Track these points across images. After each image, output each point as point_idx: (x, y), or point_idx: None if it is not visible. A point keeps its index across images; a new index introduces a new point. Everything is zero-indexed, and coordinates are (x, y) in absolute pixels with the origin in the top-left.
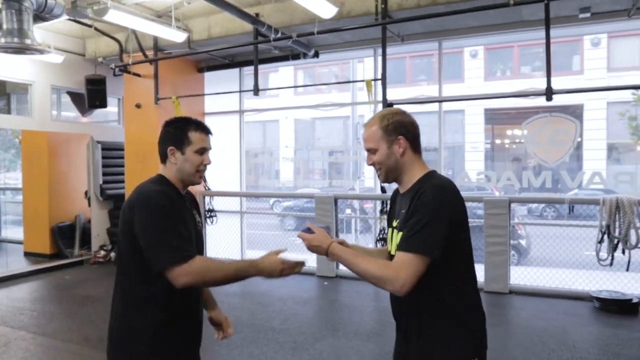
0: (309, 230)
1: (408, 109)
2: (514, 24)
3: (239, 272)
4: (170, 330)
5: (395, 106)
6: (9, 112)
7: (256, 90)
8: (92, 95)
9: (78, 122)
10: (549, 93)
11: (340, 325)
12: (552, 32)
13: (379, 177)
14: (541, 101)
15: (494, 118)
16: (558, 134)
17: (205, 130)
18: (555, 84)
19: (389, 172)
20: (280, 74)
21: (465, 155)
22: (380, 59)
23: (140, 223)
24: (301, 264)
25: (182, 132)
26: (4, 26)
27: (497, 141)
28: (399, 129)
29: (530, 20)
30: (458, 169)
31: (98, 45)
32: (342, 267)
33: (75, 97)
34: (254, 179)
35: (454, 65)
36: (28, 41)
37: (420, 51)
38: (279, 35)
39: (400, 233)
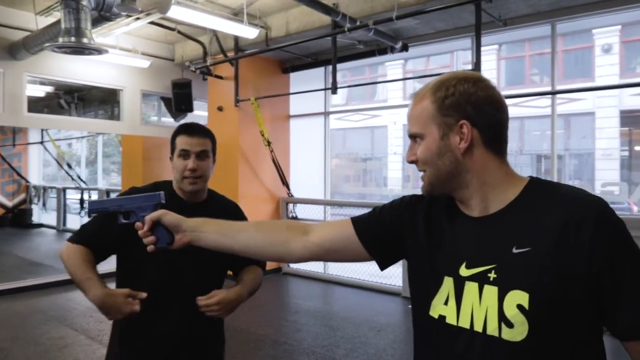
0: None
1: (515, 111)
2: None
3: (84, 284)
4: (136, 329)
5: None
6: (112, 117)
7: (334, 89)
8: (178, 99)
9: (166, 126)
10: None
11: None
12: None
13: (422, 187)
14: None
15: (633, 121)
16: None
17: (189, 132)
18: None
19: (438, 179)
20: (388, 78)
21: (596, 164)
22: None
23: None
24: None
25: (173, 139)
26: (62, 26)
27: (637, 148)
28: (463, 106)
29: None
30: (587, 179)
31: (185, 49)
32: None
33: (167, 102)
34: (361, 185)
35: (582, 63)
36: (85, 40)
37: (540, 49)
38: (356, 24)
39: (493, 288)
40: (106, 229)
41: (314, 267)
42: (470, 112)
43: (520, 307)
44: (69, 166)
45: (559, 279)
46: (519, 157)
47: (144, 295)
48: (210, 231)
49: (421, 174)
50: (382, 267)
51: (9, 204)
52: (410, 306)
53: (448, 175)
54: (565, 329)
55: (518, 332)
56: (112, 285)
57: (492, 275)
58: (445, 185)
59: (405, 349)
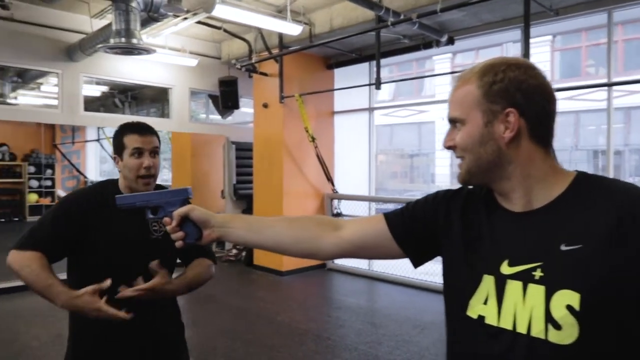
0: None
1: (570, 105)
2: None
3: (48, 291)
4: (91, 335)
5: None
6: (162, 115)
7: (378, 84)
8: (224, 97)
9: (213, 123)
10: None
11: None
12: None
13: (458, 175)
14: None
15: None
16: None
17: (140, 131)
18: None
19: (478, 168)
20: (436, 73)
21: None
22: (530, 42)
23: None
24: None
25: (119, 138)
26: (113, 27)
27: None
28: (512, 93)
29: None
30: None
31: (231, 47)
32: None
33: (215, 99)
34: (408, 182)
35: None
36: (134, 41)
37: (597, 40)
38: (400, 18)
39: (539, 287)
40: (58, 231)
41: (359, 263)
42: (519, 100)
43: (569, 307)
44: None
45: (614, 278)
46: (574, 153)
47: (107, 283)
48: (238, 227)
49: (458, 161)
50: (416, 264)
51: None
52: None
53: (489, 165)
54: (618, 331)
55: (567, 334)
56: None
57: (537, 273)
58: (485, 175)
59: None
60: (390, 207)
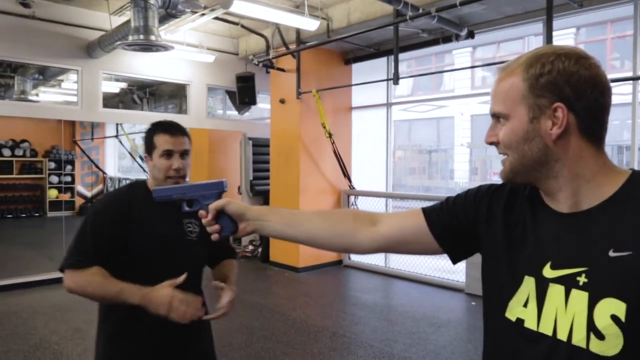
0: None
1: None
2: None
3: (121, 296)
4: (122, 336)
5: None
6: (180, 111)
7: (396, 79)
8: (242, 92)
9: (231, 119)
10: None
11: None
12: None
13: (501, 172)
14: None
15: None
16: None
17: (171, 131)
18: None
19: (523, 166)
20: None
21: None
22: (553, 34)
23: None
24: (199, 302)
25: (150, 138)
26: (132, 24)
27: None
28: (560, 86)
29: None
30: None
31: (249, 43)
32: None
33: (232, 95)
34: (427, 178)
35: None
36: (153, 37)
37: (623, 32)
38: (418, 12)
39: (583, 293)
40: (100, 243)
41: (375, 260)
42: (568, 93)
43: (614, 317)
44: (142, 159)
45: None
46: None
47: (182, 278)
48: (274, 220)
49: (501, 157)
50: (454, 261)
51: (88, 194)
52: (473, 303)
53: (534, 164)
54: None
55: (610, 345)
56: None
57: (582, 279)
58: (530, 173)
59: (466, 347)
60: (407, 203)
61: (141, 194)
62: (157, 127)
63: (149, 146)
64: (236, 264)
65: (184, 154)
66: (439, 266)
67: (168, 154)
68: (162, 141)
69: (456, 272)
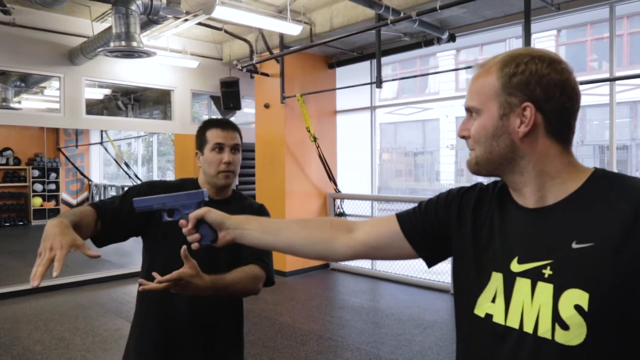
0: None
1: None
2: None
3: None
4: (144, 330)
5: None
6: (165, 117)
7: (379, 82)
8: (226, 98)
9: None
10: None
11: None
12: None
13: (467, 162)
14: None
15: None
16: None
17: (222, 125)
18: None
19: (487, 161)
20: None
21: None
22: (532, 38)
23: None
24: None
25: (202, 133)
26: (113, 31)
27: None
28: (531, 87)
29: None
30: None
31: (232, 48)
32: None
33: (217, 100)
34: (413, 180)
35: None
36: (134, 44)
37: (601, 34)
38: (400, 16)
39: (548, 286)
40: (122, 208)
41: (362, 263)
42: (538, 94)
43: (578, 307)
44: (127, 165)
45: (626, 278)
46: (580, 148)
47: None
48: (253, 229)
49: (470, 154)
50: (430, 264)
51: (73, 202)
52: None
53: (500, 159)
54: (628, 334)
55: (574, 335)
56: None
57: (547, 271)
58: (495, 167)
59: (452, 348)
60: (394, 206)
61: (187, 187)
62: (209, 123)
63: (201, 142)
64: (254, 272)
65: (234, 148)
66: (424, 268)
67: (220, 147)
68: (214, 135)
69: (441, 274)
